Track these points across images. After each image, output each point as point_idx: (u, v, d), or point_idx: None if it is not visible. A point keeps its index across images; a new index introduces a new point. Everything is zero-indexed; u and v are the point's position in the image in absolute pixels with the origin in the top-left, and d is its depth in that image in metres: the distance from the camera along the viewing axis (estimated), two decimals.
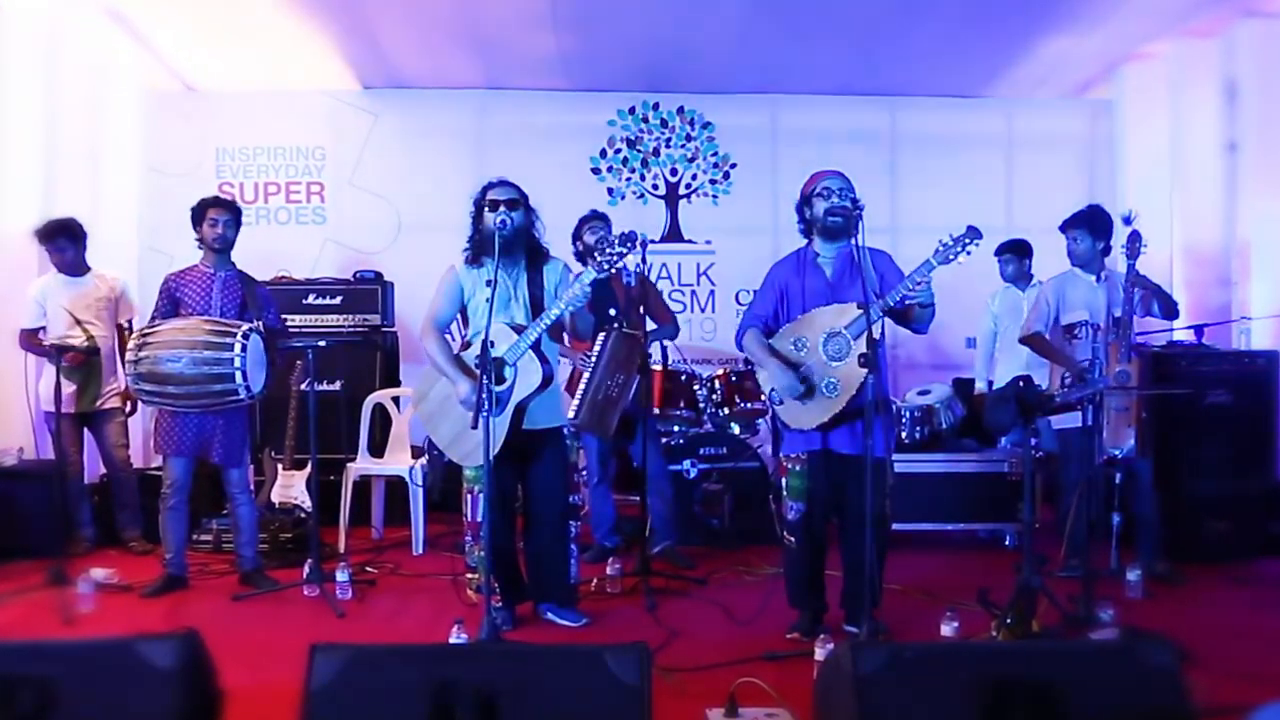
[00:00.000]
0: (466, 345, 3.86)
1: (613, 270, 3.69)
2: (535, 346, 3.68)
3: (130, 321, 5.21)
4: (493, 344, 3.54)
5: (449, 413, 3.81)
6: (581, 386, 4.55)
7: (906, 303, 3.54)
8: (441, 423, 3.89)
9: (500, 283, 3.71)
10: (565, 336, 4.64)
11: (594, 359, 4.52)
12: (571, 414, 4.46)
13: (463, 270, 3.91)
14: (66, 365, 4.69)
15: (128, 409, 5.25)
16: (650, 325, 4.91)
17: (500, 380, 3.66)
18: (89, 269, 5.17)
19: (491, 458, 3.51)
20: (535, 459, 3.87)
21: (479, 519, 3.81)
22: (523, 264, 3.87)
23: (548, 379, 3.71)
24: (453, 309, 3.92)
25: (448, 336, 3.95)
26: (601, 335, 4.51)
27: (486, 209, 3.81)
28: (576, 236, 5.00)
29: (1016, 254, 5.67)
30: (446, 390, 3.82)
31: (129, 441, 5.33)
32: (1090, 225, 4.65)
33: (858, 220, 3.52)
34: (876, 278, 3.65)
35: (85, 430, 5.21)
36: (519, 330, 3.69)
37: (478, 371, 3.54)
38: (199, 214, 4.47)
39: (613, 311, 4.72)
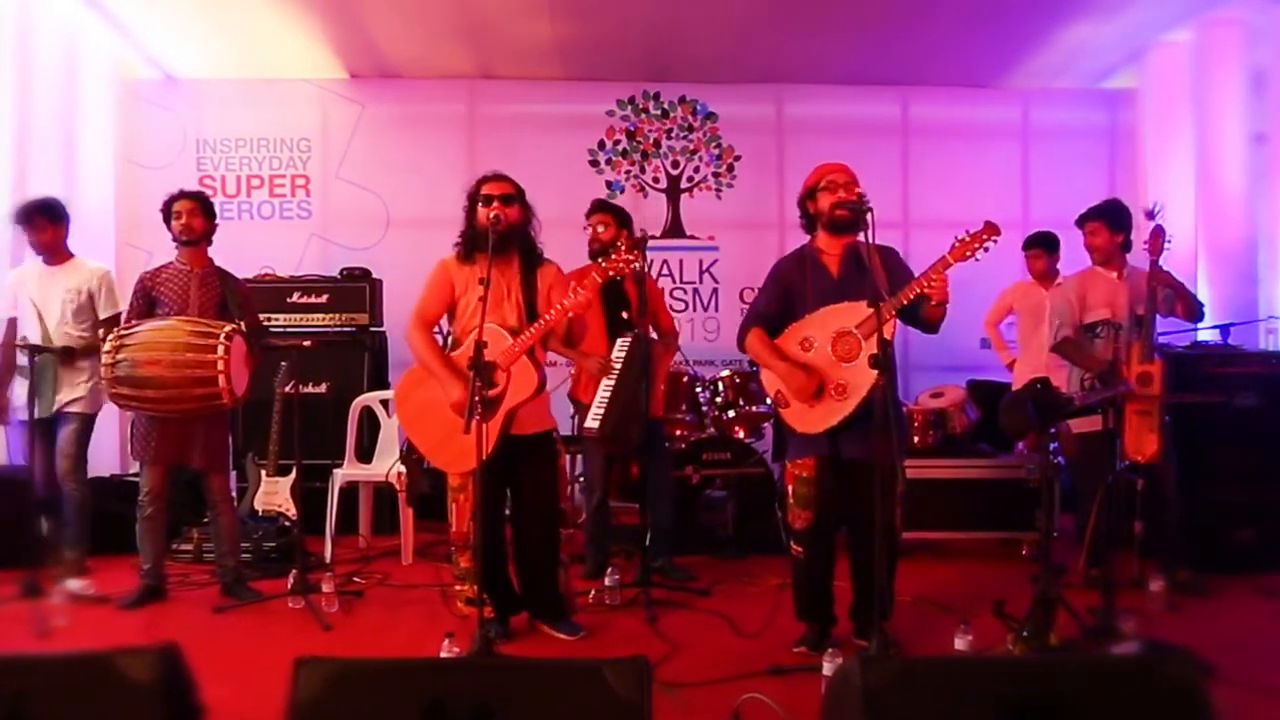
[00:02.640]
0: (456, 344, 3.85)
1: (618, 276, 3.69)
2: (530, 352, 3.69)
3: (117, 318, 4.89)
4: (485, 344, 3.54)
5: (434, 417, 3.79)
6: (602, 395, 4.49)
7: (919, 302, 3.54)
8: (426, 427, 3.86)
9: (494, 283, 3.72)
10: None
11: (617, 366, 4.47)
12: (592, 423, 4.43)
13: (454, 265, 3.89)
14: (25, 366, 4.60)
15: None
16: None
17: (492, 384, 3.66)
18: (70, 256, 4.92)
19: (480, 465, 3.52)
20: (524, 465, 3.85)
21: (464, 528, 3.81)
22: (516, 264, 3.86)
23: (542, 385, 3.71)
24: (442, 305, 3.90)
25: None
26: (621, 340, 4.49)
27: (480, 203, 3.81)
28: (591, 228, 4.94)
29: (1046, 248, 5.60)
30: (432, 392, 3.80)
31: (79, 451, 4.90)
32: (1105, 217, 4.65)
33: (866, 214, 3.51)
34: (886, 276, 3.64)
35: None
36: (513, 334, 3.69)
37: (470, 373, 3.55)
38: (167, 209, 4.49)
39: (625, 315, 4.67)
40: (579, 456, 5.90)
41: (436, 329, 3.95)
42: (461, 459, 3.66)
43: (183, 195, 4.54)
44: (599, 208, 5.04)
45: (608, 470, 4.96)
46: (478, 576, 3.54)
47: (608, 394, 4.47)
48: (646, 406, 4.45)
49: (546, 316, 3.67)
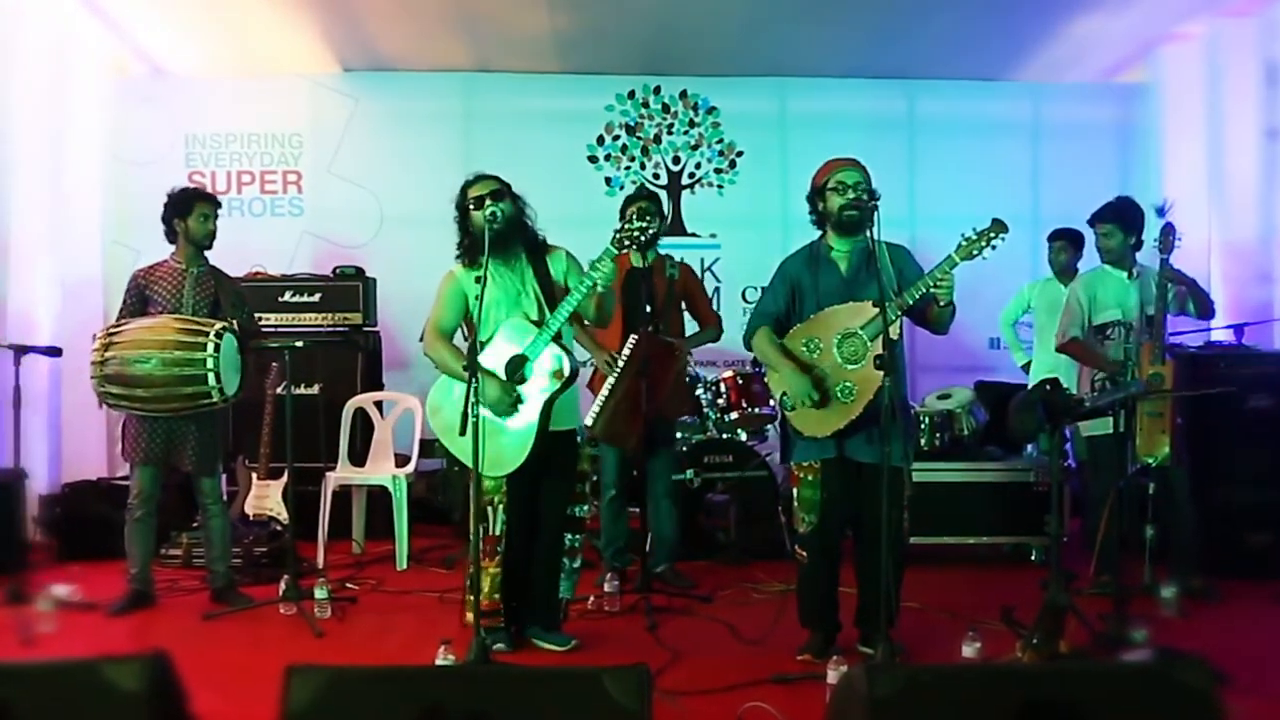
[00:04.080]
0: (482, 347, 3.83)
1: (628, 248, 3.66)
2: (557, 338, 3.68)
3: None
4: (483, 344, 3.53)
5: None
6: (604, 392, 4.52)
7: (926, 302, 3.55)
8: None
9: (505, 279, 3.74)
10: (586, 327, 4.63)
11: (621, 363, 4.45)
12: (588, 421, 4.43)
13: (463, 274, 3.87)
14: None
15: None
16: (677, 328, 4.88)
17: (523, 380, 3.66)
18: None
19: (518, 466, 3.61)
20: (547, 465, 3.82)
21: (496, 533, 3.81)
22: (524, 256, 3.85)
23: (574, 372, 3.72)
24: (457, 316, 3.88)
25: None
26: (632, 337, 4.47)
27: (471, 207, 3.80)
28: (622, 218, 4.79)
29: (1071, 243, 5.55)
30: (464, 400, 3.79)
31: None
32: (1120, 219, 4.64)
33: (874, 213, 3.52)
34: (895, 274, 3.65)
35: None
36: (538, 324, 3.69)
37: (500, 374, 3.62)
38: (185, 206, 4.45)
39: (648, 309, 4.64)
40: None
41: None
42: (499, 462, 3.68)
43: (208, 198, 4.55)
44: (640, 196, 5.00)
45: (623, 469, 4.90)
46: (475, 579, 3.53)
47: (605, 392, 4.52)
48: (647, 407, 4.44)
49: (575, 297, 3.63)
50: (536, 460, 3.75)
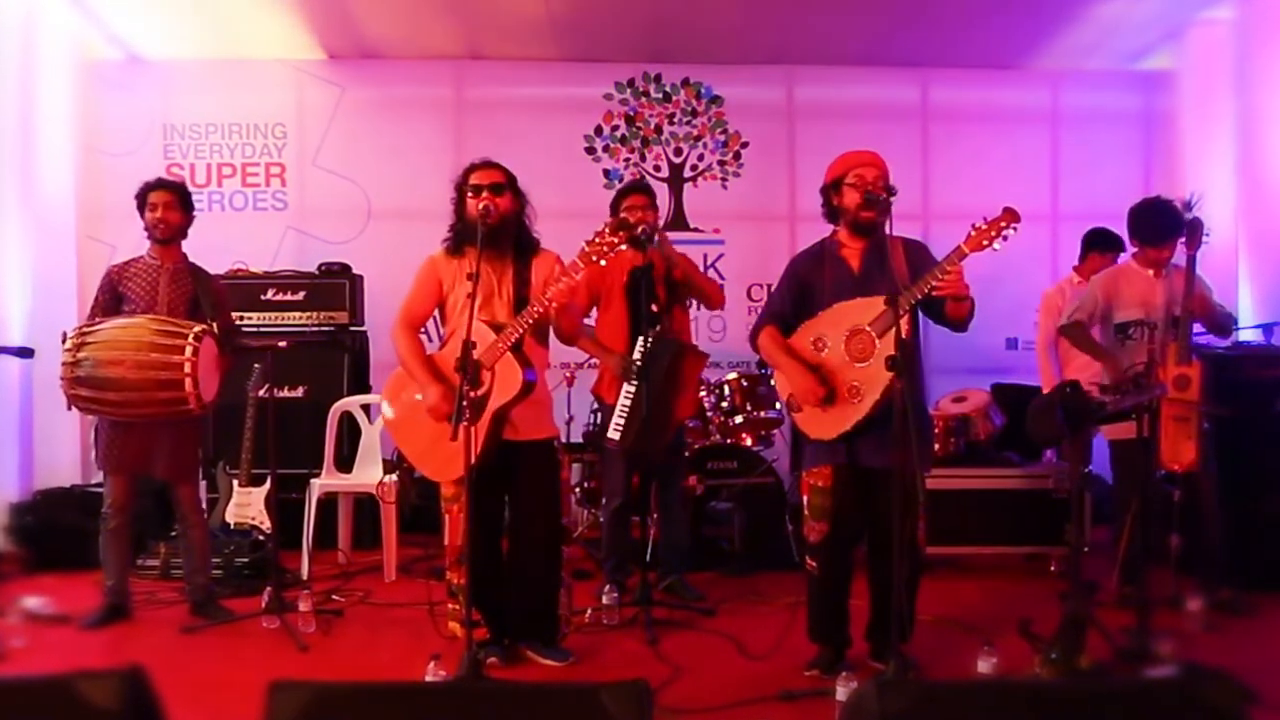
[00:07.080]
0: (445, 344, 3.87)
1: (595, 262, 3.67)
2: (515, 349, 3.68)
3: None
4: (474, 345, 3.55)
5: (420, 421, 3.82)
6: (624, 402, 4.43)
7: (937, 295, 3.53)
8: (412, 432, 3.90)
9: (483, 278, 3.72)
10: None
11: (637, 367, 4.39)
12: (614, 435, 4.41)
13: (441, 261, 3.92)
14: None
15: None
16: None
17: (477, 384, 3.66)
18: None
19: (473, 475, 3.52)
20: (520, 475, 3.87)
21: (459, 541, 3.82)
22: (509, 256, 3.87)
23: (529, 385, 3.71)
24: (429, 305, 3.95)
25: (421, 337, 3.97)
26: (645, 340, 4.41)
27: (469, 194, 3.82)
28: (614, 212, 4.84)
29: (1114, 250, 5.46)
30: (418, 396, 3.83)
31: None
32: (1187, 234, 4.54)
33: (888, 209, 3.53)
34: (909, 271, 3.64)
35: None
36: (498, 330, 3.70)
37: (453, 376, 3.57)
38: (142, 197, 4.49)
39: (654, 308, 4.62)
40: (574, 465, 5.90)
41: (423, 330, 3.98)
42: (448, 466, 3.69)
43: (159, 185, 4.55)
44: (634, 189, 4.98)
45: (629, 477, 4.87)
46: (467, 592, 3.54)
47: (629, 401, 4.42)
48: (673, 414, 4.42)
49: (534, 310, 3.66)
50: (501, 471, 3.77)
